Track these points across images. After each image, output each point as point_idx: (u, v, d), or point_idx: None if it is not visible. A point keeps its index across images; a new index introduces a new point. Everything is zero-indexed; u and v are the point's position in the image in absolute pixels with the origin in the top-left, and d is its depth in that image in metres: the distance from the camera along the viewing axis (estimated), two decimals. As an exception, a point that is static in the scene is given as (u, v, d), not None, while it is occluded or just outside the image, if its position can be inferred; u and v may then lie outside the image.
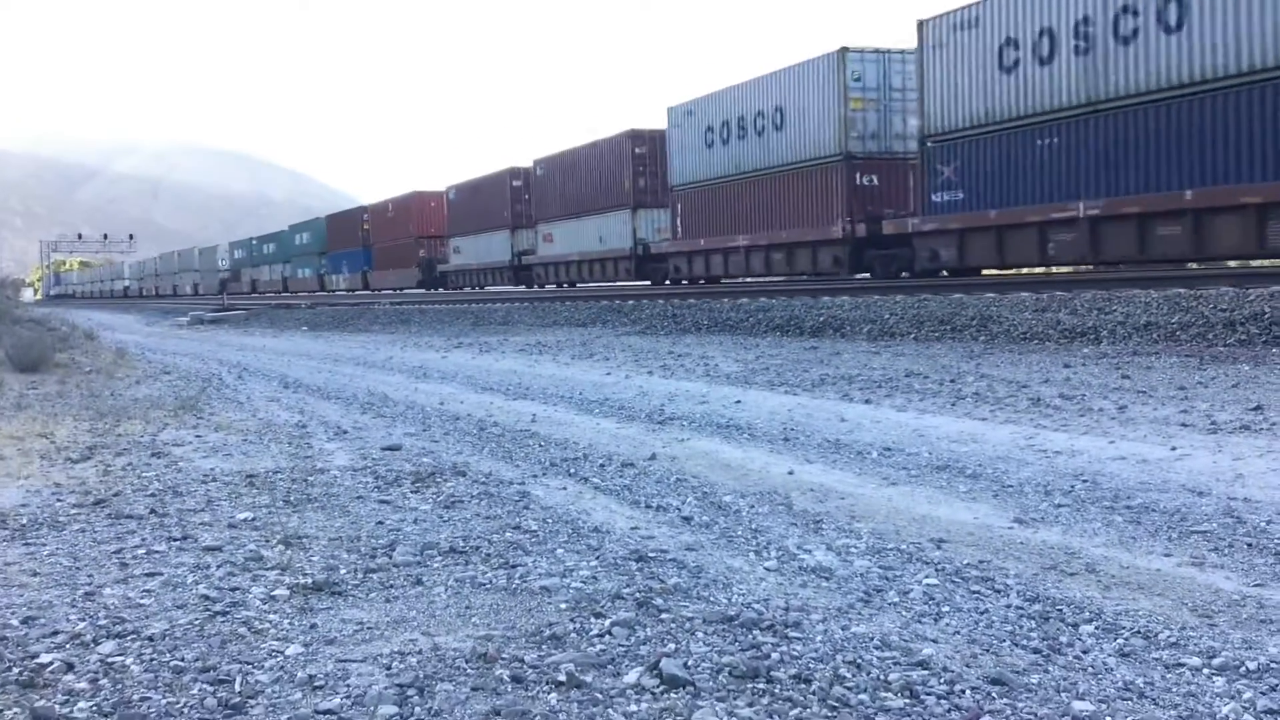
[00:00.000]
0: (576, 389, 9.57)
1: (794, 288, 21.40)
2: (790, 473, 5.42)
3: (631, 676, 2.71)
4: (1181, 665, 2.76)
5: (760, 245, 24.75)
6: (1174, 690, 2.61)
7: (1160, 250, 15.65)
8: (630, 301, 21.17)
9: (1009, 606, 3.23)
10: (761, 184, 24.73)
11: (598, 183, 32.46)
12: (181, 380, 11.93)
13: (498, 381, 10.64)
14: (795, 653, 2.85)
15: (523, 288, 38.37)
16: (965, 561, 3.72)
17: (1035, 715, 2.48)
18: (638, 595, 3.37)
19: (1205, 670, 2.72)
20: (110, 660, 2.87)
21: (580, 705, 2.56)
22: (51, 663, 2.84)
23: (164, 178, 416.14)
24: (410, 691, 2.64)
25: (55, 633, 3.09)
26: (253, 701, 2.61)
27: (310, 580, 3.58)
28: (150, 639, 3.03)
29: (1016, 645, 2.91)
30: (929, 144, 19.73)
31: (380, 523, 4.48)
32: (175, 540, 4.19)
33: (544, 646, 2.95)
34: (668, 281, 29.29)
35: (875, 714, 2.49)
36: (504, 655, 2.87)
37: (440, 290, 43.59)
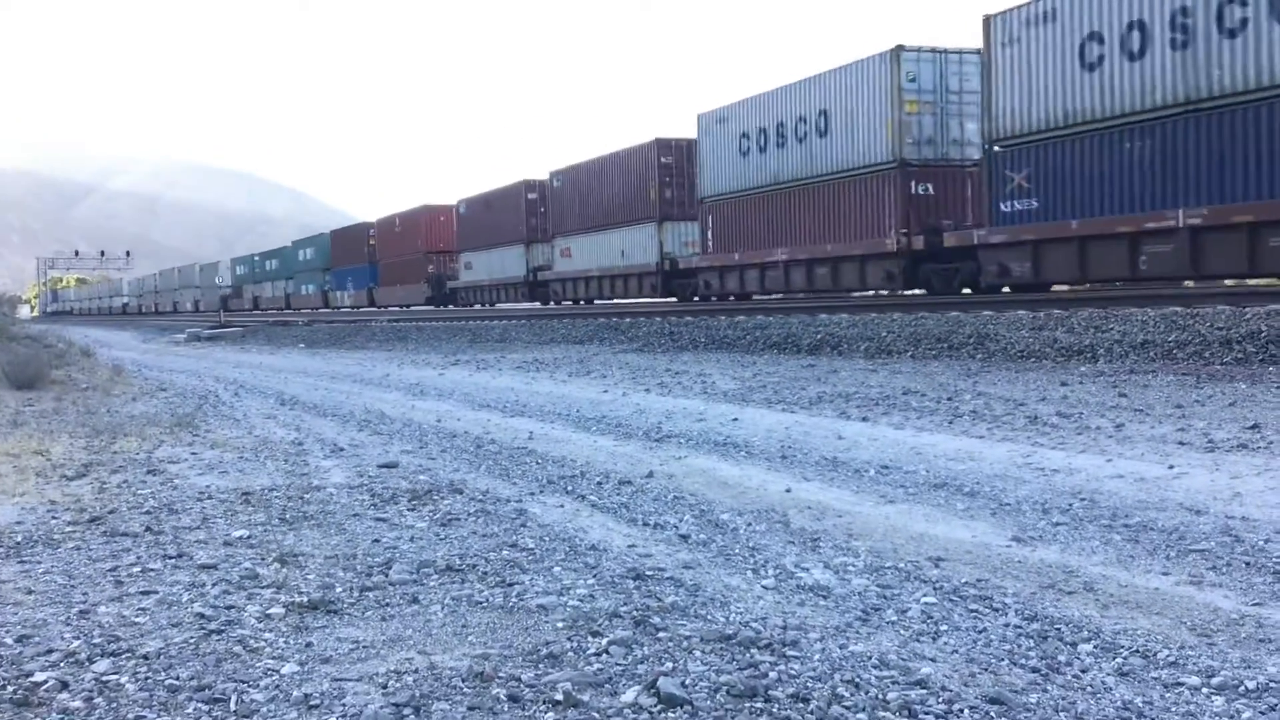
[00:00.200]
0: (574, 406, 9.56)
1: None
2: (788, 490, 5.42)
3: (629, 695, 2.70)
4: (1180, 684, 2.75)
5: (801, 259, 23.15)
6: (1173, 710, 2.61)
7: (1272, 265, 14.19)
8: (628, 319, 21.17)
9: (1007, 625, 3.22)
10: (803, 194, 23.10)
11: (620, 195, 30.90)
12: (178, 397, 11.91)
13: (495, 399, 10.63)
14: (793, 672, 2.84)
15: (538, 304, 36.86)
16: (963, 580, 3.71)
17: (1034, 735, 2.47)
18: (635, 614, 3.36)
19: (1204, 689, 2.71)
20: (105, 679, 2.86)
21: (577, 725, 2.55)
22: (46, 681, 2.83)
23: (161, 195, 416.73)
24: (406, 711, 2.63)
25: (50, 651, 3.07)
26: (248, 721, 2.60)
27: (306, 598, 3.57)
28: (145, 657, 3.02)
29: (1015, 664, 2.91)
30: (996, 149, 18.18)
31: (377, 541, 4.47)
32: (171, 558, 4.18)
33: (541, 665, 2.93)
34: (696, 298, 27.68)
35: (874, 734, 2.48)
36: (501, 674, 2.86)
37: (450, 307, 42.58)
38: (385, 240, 49.11)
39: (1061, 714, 2.58)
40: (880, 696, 2.67)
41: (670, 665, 2.90)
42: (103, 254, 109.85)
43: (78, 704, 2.69)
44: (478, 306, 40.94)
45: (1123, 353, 10.38)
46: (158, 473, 6.36)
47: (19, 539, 4.56)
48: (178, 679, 2.85)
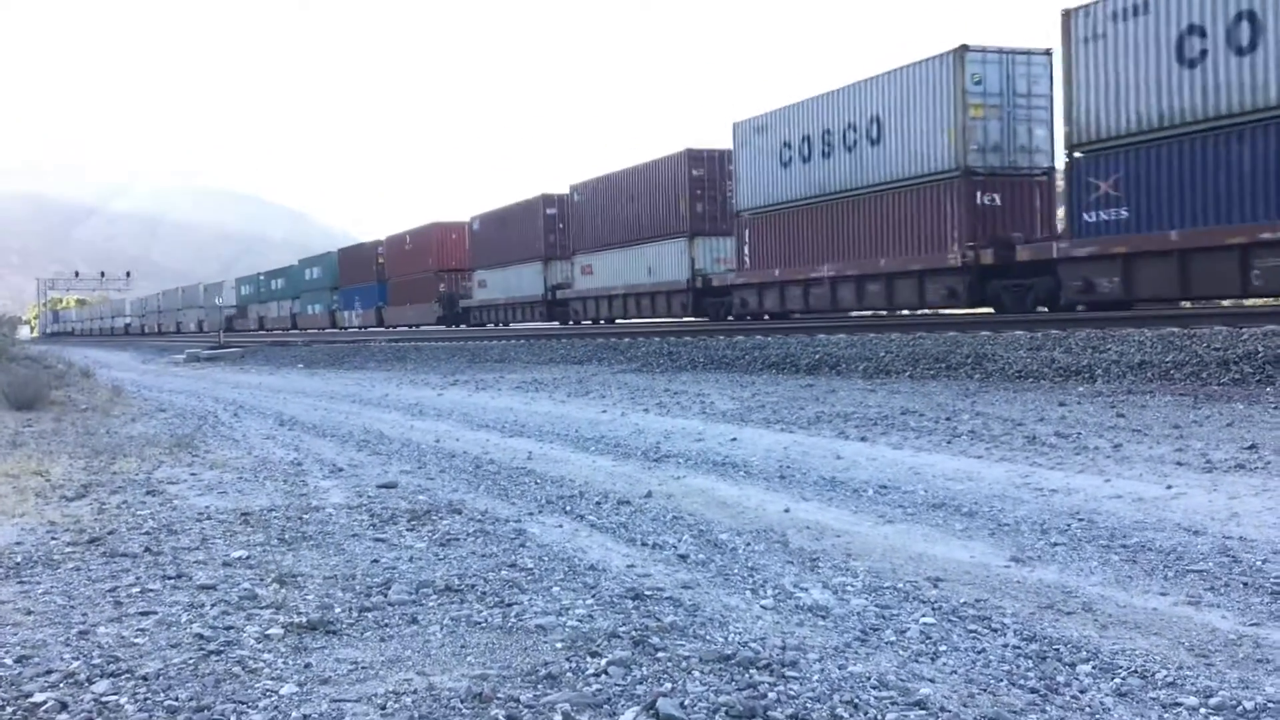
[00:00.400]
0: (573, 426, 9.57)
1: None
2: (786, 510, 5.42)
3: (628, 716, 2.70)
4: (1179, 705, 2.75)
5: (850, 276, 21.68)
6: (1171, 730, 2.61)
7: None
8: (626, 339, 21.18)
9: (1006, 646, 3.23)
10: (852, 206, 21.74)
11: (648, 209, 29.45)
12: (177, 418, 11.91)
13: (494, 419, 10.64)
14: (792, 692, 2.84)
15: (556, 324, 35.39)
16: (962, 600, 3.72)
17: (1033, 755, 2.47)
18: (634, 634, 3.36)
19: (1202, 710, 2.72)
20: (104, 699, 2.86)
21: (576, 745, 2.55)
22: (45, 702, 2.83)
23: (162, 216, 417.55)
24: (405, 731, 2.63)
25: (49, 671, 3.08)
26: (247, 741, 2.60)
27: (305, 619, 3.57)
28: (144, 678, 3.02)
29: (1014, 685, 2.91)
30: (1077, 154, 16.84)
31: (375, 561, 4.47)
32: (170, 579, 4.18)
33: (540, 686, 2.94)
34: (730, 317, 26.16)
35: (872, 754, 2.49)
36: (499, 695, 2.86)
37: (462, 327, 41.25)
38: (395, 258, 48.01)
39: (1060, 734, 2.58)
40: (879, 717, 2.68)
41: (669, 686, 2.90)
42: (103, 275, 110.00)
43: (77, 725, 2.69)
44: (490, 326, 39.77)
45: (1120, 373, 10.41)
46: (157, 493, 6.36)
47: (18, 559, 4.56)
48: (177, 700, 2.85)
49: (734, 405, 10.59)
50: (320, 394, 15.73)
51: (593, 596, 3.84)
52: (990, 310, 19.35)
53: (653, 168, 29.43)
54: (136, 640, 3.39)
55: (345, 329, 51.63)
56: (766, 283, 24.43)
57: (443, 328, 41.45)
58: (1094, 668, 3.02)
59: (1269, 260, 14.14)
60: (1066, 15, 16.76)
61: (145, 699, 2.86)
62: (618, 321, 31.88)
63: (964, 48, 19.21)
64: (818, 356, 14.41)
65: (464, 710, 2.77)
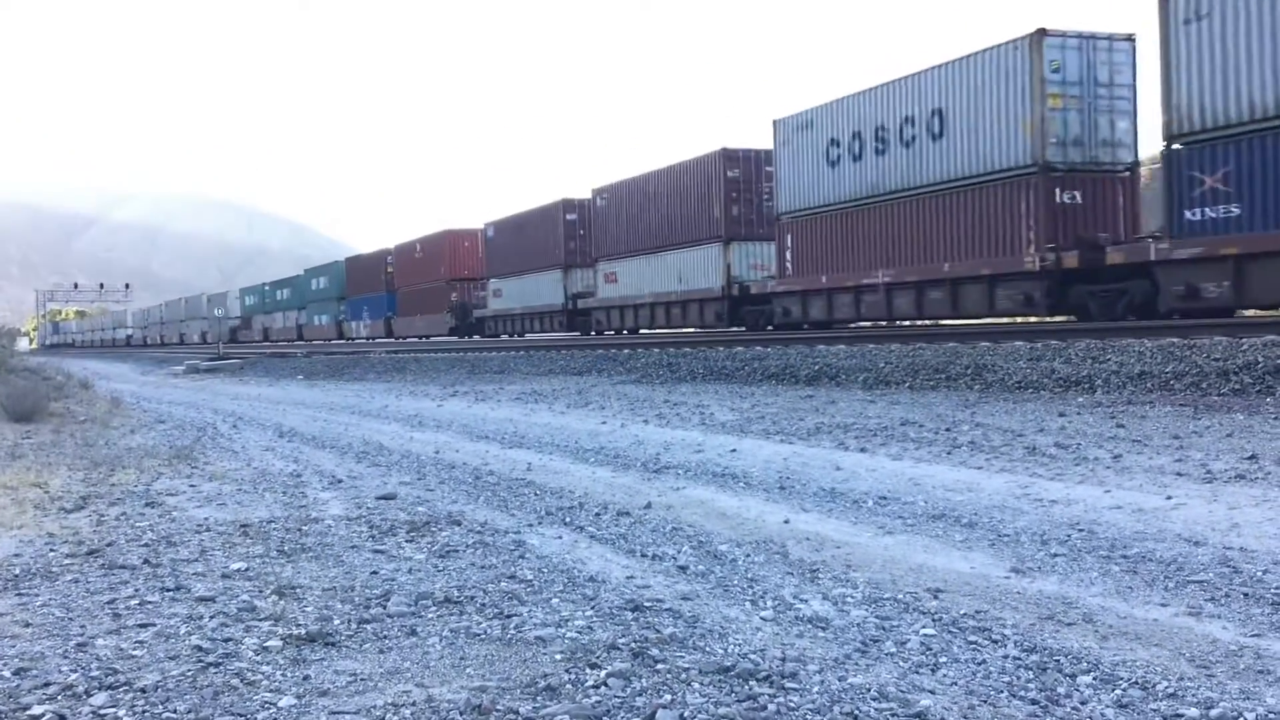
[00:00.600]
0: (572, 437, 9.56)
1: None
2: (786, 521, 5.41)
3: (627, 728, 2.69)
4: (1179, 716, 2.74)
5: (909, 282, 20.08)
6: (1172, 741, 2.60)
7: None
8: (625, 350, 21.18)
9: (1006, 657, 3.22)
10: (910, 207, 20.13)
11: (679, 212, 27.87)
12: (176, 429, 11.91)
13: (493, 430, 10.63)
14: (792, 704, 2.83)
15: (576, 334, 33.93)
16: (962, 611, 3.71)
17: (1033, 767, 2.46)
18: (633, 645, 3.35)
19: (1203, 721, 2.71)
20: (102, 712, 2.85)
21: (576, 757, 2.54)
22: (43, 714, 2.82)
23: (162, 227, 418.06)
24: (404, 744, 2.62)
25: (47, 684, 3.07)
26: (245, 754, 2.59)
27: (304, 631, 3.56)
28: (143, 690, 3.01)
29: (1014, 696, 2.90)
30: (1177, 146, 15.44)
31: (375, 573, 4.46)
32: (168, 591, 4.17)
33: (539, 698, 2.93)
34: (770, 327, 24.51)
35: (873, 766, 2.48)
36: (499, 707, 2.85)
37: (475, 338, 40.20)
38: (404, 267, 46.74)
39: (1061, 746, 2.57)
40: (879, 728, 2.67)
41: (669, 697, 2.90)
42: (102, 286, 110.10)
43: (74, 737, 2.68)
44: (505, 337, 38.56)
45: (1120, 384, 10.40)
46: (156, 505, 6.35)
47: (17, 571, 4.55)
48: (175, 712, 2.85)
49: (734, 416, 10.59)
50: (320, 405, 15.73)
51: (592, 608, 3.84)
52: (1072, 318, 17.80)
53: (684, 169, 27.88)
54: (135, 652, 3.38)
55: (353, 340, 50.55)
56: (812, 290, 22.84)
57: (466, 339, 40.24)
58: (1095, 679, 3.02)
59: None
60: None
61: (143, 711, 2.86)
62: (642, 331, 30.70)
63: (1042, 32, 17.59)
64: (817, 367, 14.41)
65: (463, 722, 2.76)
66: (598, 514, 5.79)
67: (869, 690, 2.93)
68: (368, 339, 49.22)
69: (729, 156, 26.23)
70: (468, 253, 42.59)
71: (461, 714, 2.81)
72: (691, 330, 27.83)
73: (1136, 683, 2.98)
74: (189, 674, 3.16)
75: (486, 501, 6.36)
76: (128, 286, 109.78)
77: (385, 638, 3.53)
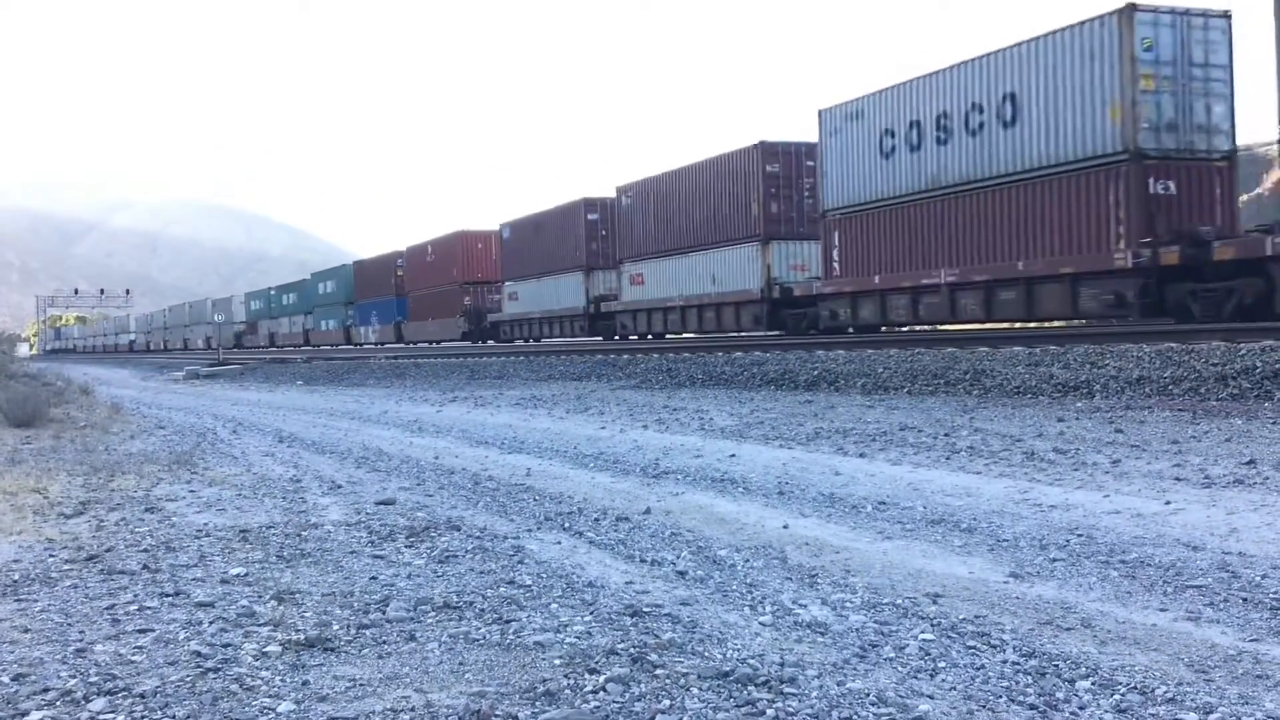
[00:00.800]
0: (571, 443, 9.57)
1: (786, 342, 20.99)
2: (785, 527, 5.42)
3: (626, 733, 2.69)
4: (1178, 721, 2.75)
5: (976, 282, 18.57)
6: (1171, 746, 2.60)
7: None
8: (625, 356, 21.19)
9: (1005, 662, 3.22)
10: (978, 200, 18.66)
11: (712, 210, 26.40)
12: (176, 435, 11.91)
13: (493, 435, 10.63)
14: (791, 709, 2.83)
15: (599, 339, 32.55)
16: (961, 616, 3.71)
17: (1032, 772, 2.46)
18: (632, 651, 3.35)
19: (1202, 726, 2.71)
20: (101, 718, 2.86)
21: (574, 763, 2.54)
22: (41, 720, 2.82)
23: (161, 233, 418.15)
24: (403, 749, 2.62)
25: (46, 690, 3.07)
26: (244, 759, 2.59)
27: (303, 636, 3.56)
28: (141, 696, 3.01)
29: (1013, 701, 2.90)
30: None
31: (374, 578, 4.46)
32: (168, 596, 4.18)
33: (538, 703, 2.93)
34: (813, 331, 23.29)
35: (871, 771, 2.48)
36: (497, 712, 2.85)
37: (490, 343, 38.82)
38: (415, 270, 45.38)
39: (1059, 751, 2.58)
40: (878, 733, 2.67)
41: (667, 703, 2.90)
42: (102, 292, 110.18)
43: (73, 743, 2.68)
44: (520, 342, 37.18)
45: (1119, 388, 10.41)
46: (155, 510, 6.35)
47: (16, 577, 4.55)
48: (174, 718, 2.85)
49: (733, 421, 10.59)
50: (319, 411, 15.73)
51: (591, 613, 3.84)
52: (1170, 320, 16.16)
53: (718, 164, 26.36)
54: (134, 658, 3.38)
55: (361, 345, 49.29)
56: (863, 291, 21.34)
57: (480, 344, 39.00)
58: (1093, 684, 3.02)
59: None
60: None
61: (142, 717, 2.86)
62: (668, 337, 29.49)
63: (1132, 7, 16.16)
64: (816, 373, 14.41)
65: (462, 728, 2.76)
66: (597, 519, 5.80)
67: (868, 695, 2.93)
68: (377, 344, 48.03)
69: (768, 150, 24.70)
70: (481, 255, 41.28)
71: (460, 719, 2.81)
72: (732, 334, 26.46)
73: (1135, 688, 2.98)
74: (188, 679, 3.16)
75: (486, 507, 6.37)
76: (128, 292, 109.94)
77: (384, 643, 3.54)
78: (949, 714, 2.80)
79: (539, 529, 5.58)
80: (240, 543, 5.28)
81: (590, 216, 33.33)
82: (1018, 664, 3.20)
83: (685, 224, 27.73)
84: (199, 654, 3.39)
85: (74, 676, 3.18)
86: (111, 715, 2.87)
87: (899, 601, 3.92)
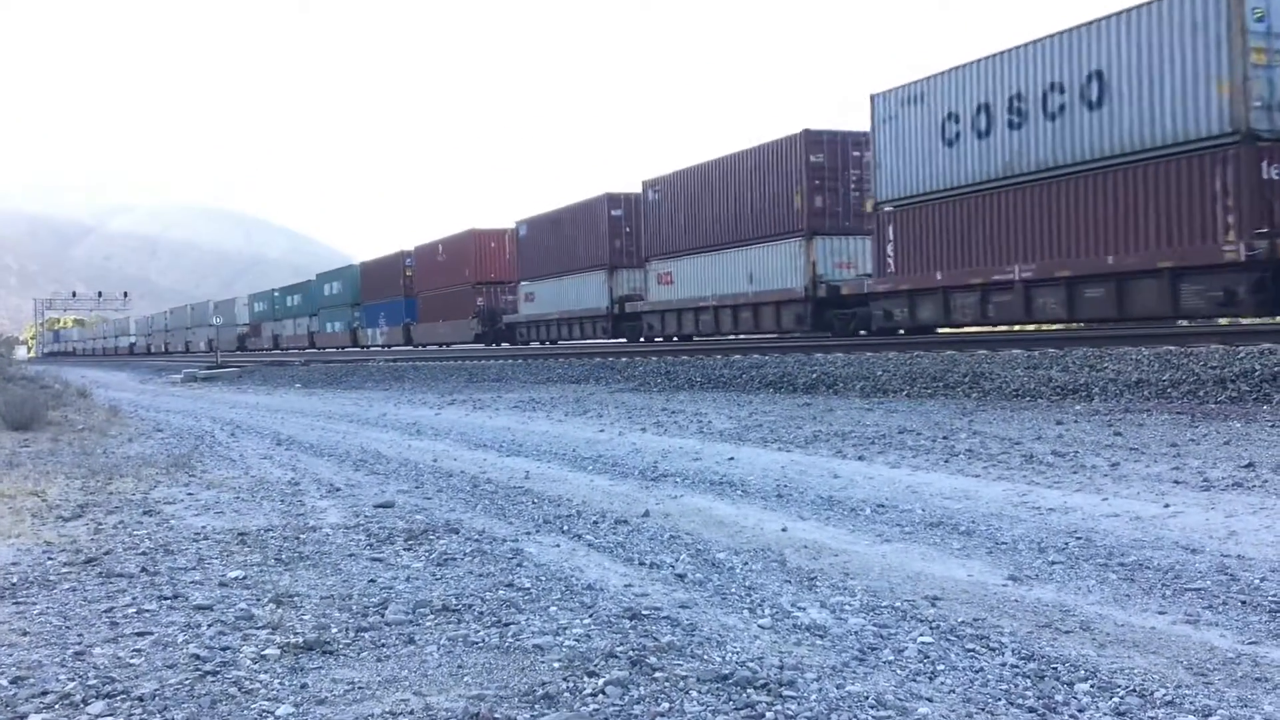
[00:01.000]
0: (570, 446, 9.56)
1: (785, 344, 20.96)
2: (784, 530, 5.42)
3: (625, 736, 2.69)
4: (1177, 724, 2.75)
5: (1057, 278, 17.03)
6: (1170, 749, 2.60)
7: None
8: (624, 359, 21.19)
9: (1004, 665, 3.22)
10: (1058, 189, 17.10)
11: (749, 204, 24.84)
12: (174, 438, 11.90)
13: (491, 438, 10.63)
14: (790, 712, 2.83)
15: (624, 341, 31.03)
16: (960, 619, 3.71)
17: (1031, 775, 2.46)
18: (631, 654, 3.35)
19: (1201, 729, 2.71)
20: (99, 721, 2.85)
21: (573, 766, 2.54)
22: (40, 723, 2.82)
23: (160, 236, 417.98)
24: (402, 752, 2.62)
25: (44, 693, 3.07)
26: (243, 762, 2.59)
27: (301, 639, 3.56)
28: (140, 699, 3.01)
29: (1012, 704, 2.90)
30: None
31: (372, 581, 4.46)
32: (166, 599, 4.17)
33: (537, 706, 2.93)
34: (862, 332, 21.78)
35: (870, 774, 2.48)
36: (496, 715, 2.85)
37: (504, 345, 37.30)
38: (425, 270, 43.67)
39: (1058, 753, 2.57)
40: (877, 736, 2.67)
41: (666, 706, 2.90)
42: (100, 295, 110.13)
43: (72, 746, 2.67)
44: (535, 345, 35.59)
45: (1117, 391, 10.42)
46: (154, 513, 6.35)
47: (14, 580, 4.55)
48: (172, 721, 2.84)
49: (731, 424, 10.59)
50: (317, 413, 15.72)
51: (590, 616, 3.84)
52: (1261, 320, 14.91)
53: (757, 155, 24.69)
54: (132, 661, 3.38)
55: (368, 348, 47.85)
56: (922, 289, 19.76)
57: (493, 346, 37.59)
58: (1092, 687, 3.02)
59: None
60: None
61: (141, 720, 2.85)
62: (695, 339, 28.06)
63: None
64: (815, 375, 14.42)
65: (461, 731, 2.76)
66: (596, 522, 5.79)
67: (867, 698, 2.93)
68: (384, 346, 46.69)
69: (812, 139, 22.99)
70: (495, 254, 39.58)
71: (459, 722, 2.81)
72: (771, 335, 24.96)
73: (1134, 690, 2.98)
74: (186, 682, 3.15)
75: (484, 510, 6.36)
76: (126, 295, 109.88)
77: (383, 646, 3.53)
78: (948, 717, 2.80)
79: (538, 532, 5.58)
80: (238, 545, 5.28)
81: (614, 212, 31.57)
82: (1017, 667, 3.20)
83: (719, 219, 26.19)
84: (197, 657, 3.39)
85: (72, 679, 3.18)
86: (110, 718, 2.87)
87: (898, 604, 3.92)
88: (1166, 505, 5.49)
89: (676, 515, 5.95)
